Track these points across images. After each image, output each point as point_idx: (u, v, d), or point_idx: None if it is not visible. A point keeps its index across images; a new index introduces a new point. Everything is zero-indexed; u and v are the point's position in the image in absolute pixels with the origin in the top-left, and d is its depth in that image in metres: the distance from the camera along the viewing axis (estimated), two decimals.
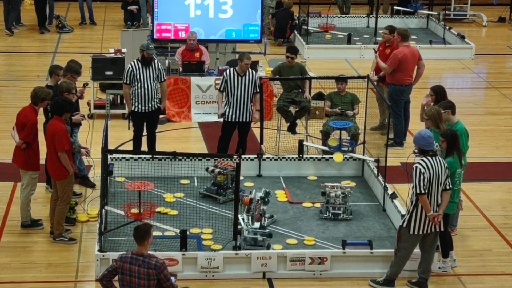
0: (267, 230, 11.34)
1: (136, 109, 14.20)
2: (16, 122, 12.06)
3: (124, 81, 14.18)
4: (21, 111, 12.05)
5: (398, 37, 15.62)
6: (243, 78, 14.13)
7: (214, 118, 16.07)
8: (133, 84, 14.11)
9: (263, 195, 11.72)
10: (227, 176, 12.93)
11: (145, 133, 14.46)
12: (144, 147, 14.46)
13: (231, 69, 14.29)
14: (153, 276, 8.92)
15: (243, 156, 13.39)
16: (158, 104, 14.33)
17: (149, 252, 9.07)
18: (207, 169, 13.08)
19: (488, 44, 24.31)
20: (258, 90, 14.22)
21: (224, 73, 14.32)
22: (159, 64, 14.34)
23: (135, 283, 8.96)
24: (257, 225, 11.35)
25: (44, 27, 23.75)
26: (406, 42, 15.67)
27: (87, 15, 24.71)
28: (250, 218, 11.47)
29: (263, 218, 11.59)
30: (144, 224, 9.24)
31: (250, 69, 14.28)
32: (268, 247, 11.20)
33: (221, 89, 14.27)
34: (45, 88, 12.39)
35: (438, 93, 12.42)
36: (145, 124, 14.38)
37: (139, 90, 14.08)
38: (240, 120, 14.24)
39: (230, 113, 14.19)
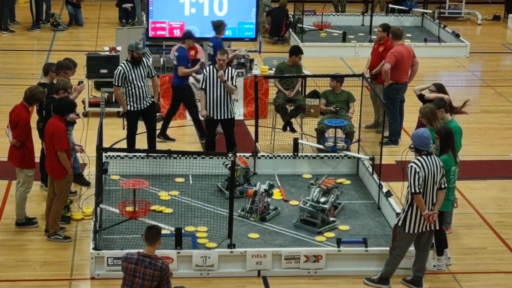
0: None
1: (131, 108, 14.19)
2: (9, 120, 12.04)
3: (116, 83, 14.12)
4: (13, 109, 12.01)
5: (391, 36, 15.62)
6: None
7: None
8: (126, 85, 14.07)
9: (267, 188, 11.89)
10: (240, 172, 12.92)
11: (145, 130, 14.45)
12: (141, 145, 14.44)
13: (211, 66, 14.23)
14: (156, 277, 8.97)
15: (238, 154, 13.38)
16: (152, 99, 14.32)
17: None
18: (224, 164, 13.04)
19: (483, 42, 24.32)
20: (235, 86, 14.16)
21: (204, 70, 14.29)
22: (147, 61, 14.35)
23: (137, 283, 8.97)
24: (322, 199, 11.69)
25: (37, 26, 23.70)
26: (400, 40, 15.66)
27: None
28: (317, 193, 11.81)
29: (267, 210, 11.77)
30: (156, 227, 9.29)
31: (229, 67, 14.22)
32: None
33: (203, 87, 14.16)
34: (39, 87, 12.34)
35: (441, 91, 12.52)
36: (143, 122, 14.38)
37: (133, 90, 14.07)
38: (221, 117, 14.18)
39: (211, 111, 14.13)
